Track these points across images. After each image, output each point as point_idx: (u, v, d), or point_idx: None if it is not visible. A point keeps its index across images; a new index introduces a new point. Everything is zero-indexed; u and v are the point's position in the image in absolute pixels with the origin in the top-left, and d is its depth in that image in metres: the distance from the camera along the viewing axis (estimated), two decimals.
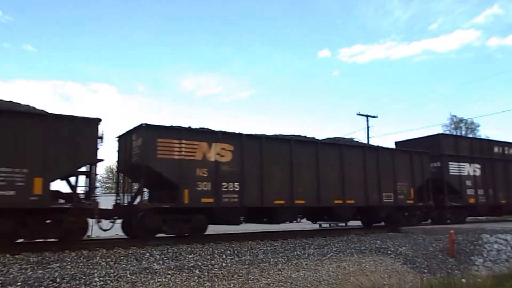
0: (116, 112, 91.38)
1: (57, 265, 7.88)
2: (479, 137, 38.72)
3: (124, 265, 8.15)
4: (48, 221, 9.61)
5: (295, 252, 10.31)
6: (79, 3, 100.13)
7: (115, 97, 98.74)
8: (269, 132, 14.48)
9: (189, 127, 11.54)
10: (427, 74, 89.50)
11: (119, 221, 11.42)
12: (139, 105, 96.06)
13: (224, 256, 9.50)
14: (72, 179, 10.03)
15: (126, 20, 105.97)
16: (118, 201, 12.27)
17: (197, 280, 7.49)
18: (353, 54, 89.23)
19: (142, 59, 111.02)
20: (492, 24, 78.91)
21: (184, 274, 7.62)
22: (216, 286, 7.43)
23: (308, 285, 8.24)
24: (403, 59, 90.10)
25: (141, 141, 10.88)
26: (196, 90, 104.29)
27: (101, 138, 10.13)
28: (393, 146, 20.06)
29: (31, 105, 10.06)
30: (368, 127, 35.91)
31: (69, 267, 7.83)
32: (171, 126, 11.23)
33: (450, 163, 18.24)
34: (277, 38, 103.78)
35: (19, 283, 6.44)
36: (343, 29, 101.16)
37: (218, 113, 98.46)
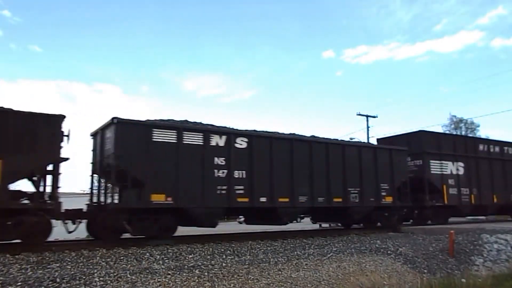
0: (121, 112, 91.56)
1: (57, 265, 7.89)
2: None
3: (124, 265, 8.15)
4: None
5: (295, 252, 10.31)
6: (84, 4, 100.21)
7: (120, 97, 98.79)
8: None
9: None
10: (430, 75, 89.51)
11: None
12: (143, 105, 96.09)
13: (224, 256, 9.50)
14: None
15: (130, 21, 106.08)
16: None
17: (197, 280, 7.48)
18: (357, 55, 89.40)
19: (145, 59, 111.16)
20: (496, 25, 78.96)
21: (184, 274, 7.62)
22: (216, 286, 7.43)
23: (308, 285, 8.23)
24: (406, 60, 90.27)
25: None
26: (198, 90, 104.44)
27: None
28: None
29: None
30: (368, 127, 36.00)
31: (69, 267, 7.83)
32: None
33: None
34: (280, 38, 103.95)
35: (19, 283, 6.43)
36: (348, 30, 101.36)
37: (219, 113, 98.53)
